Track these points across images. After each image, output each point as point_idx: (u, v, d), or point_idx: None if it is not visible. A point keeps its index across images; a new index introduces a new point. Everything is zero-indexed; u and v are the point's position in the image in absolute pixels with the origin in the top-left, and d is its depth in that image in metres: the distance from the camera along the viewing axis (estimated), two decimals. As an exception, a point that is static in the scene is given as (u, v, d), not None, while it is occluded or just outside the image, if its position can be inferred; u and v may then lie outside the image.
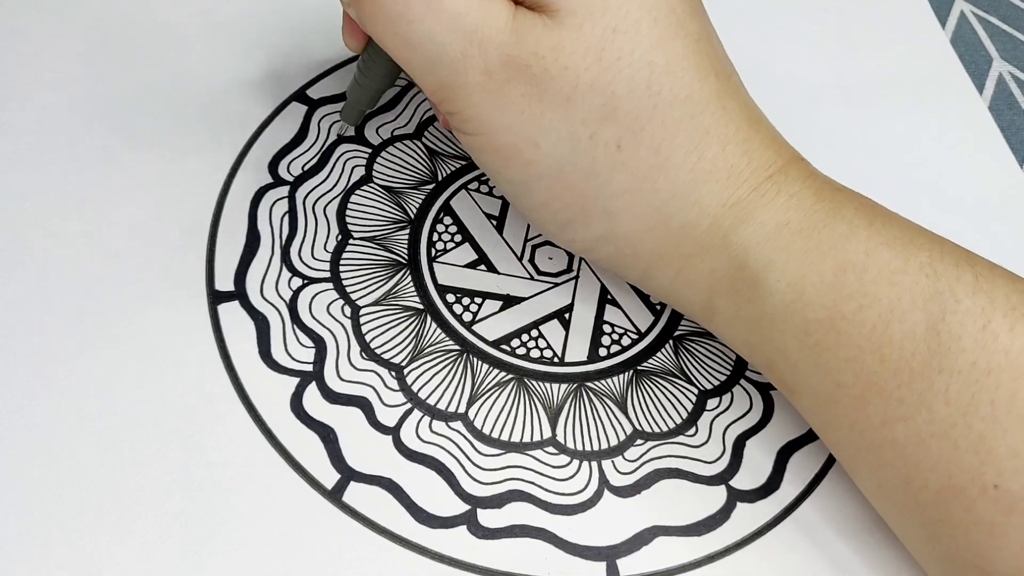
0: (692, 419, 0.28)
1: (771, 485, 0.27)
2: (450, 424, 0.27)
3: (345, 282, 0.30)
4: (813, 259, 0.24)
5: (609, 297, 0.31)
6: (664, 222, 0.25)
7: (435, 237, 0.31)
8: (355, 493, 0.26)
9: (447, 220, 0.32)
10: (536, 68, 0.24)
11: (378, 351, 0.28)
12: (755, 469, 0.28)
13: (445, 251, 0.31)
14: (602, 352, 0.29)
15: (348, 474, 0.26)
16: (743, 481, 0.27)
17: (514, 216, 0.32)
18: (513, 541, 0.26)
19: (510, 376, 0.28)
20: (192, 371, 0.27)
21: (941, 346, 0.22)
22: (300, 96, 0.34)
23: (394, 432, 0.27)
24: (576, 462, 0.27)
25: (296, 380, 0.28)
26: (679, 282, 0.26)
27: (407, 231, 0.31)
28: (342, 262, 0.30)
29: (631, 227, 0.25)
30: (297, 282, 0.29)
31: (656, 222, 0.25)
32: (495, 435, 0.27)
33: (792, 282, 0.24)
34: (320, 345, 0.28)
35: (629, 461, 0.27)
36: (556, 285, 0.31)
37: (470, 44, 0.24)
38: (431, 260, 0.31)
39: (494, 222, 0.32)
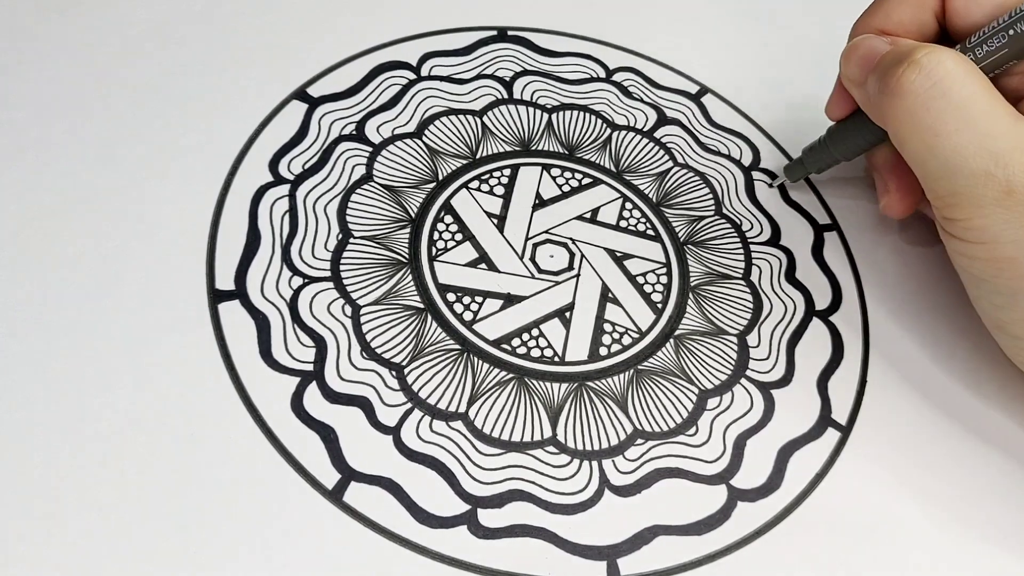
0: (692, 419, 0.28)
1: (771, 485, 0.27)
2: (450, 424, 0.27)
3: (345, 281, 0.30)
4: None
5: (610, 296, 0.30)
6: None
7: (436, 236, 0.31)
8: (356, 493, 0.26)
9: (448, 219, 0.32)
10: None
11: (378, 350, 0.28)
12: (755, 469, 0.28)
13: (446, 250, 0.31)
14: (603, 351, 0.29)
15: (348, 474, 0.26)
16: (743, 481, 0.27)
17: (515, 215, 0.32)
18: (513, 541, 0.26)
19: (510, 375, 0.28)
20: (192, 371, 0.27)
21: None
22: (300, 95, 0.34)
23: (394, 432, 0.27)
24: (576, 461, 0.27)
25: (296, 380, 0.27)
26: None
27: (408, 230, 0.31)
28: (343, 261, 0.30)
29: None
30: (297, 281, 0.29)
31: None
32: (495, 435, 0.27)
33: None
34: (320, 344, 0.28)
35: (629, 460, 0.27)
36: (557, 284, 0.31)
37: (995, 165, 0.25)
38: (432, 259, 0.31)
39: (495, 221, 0.32)
